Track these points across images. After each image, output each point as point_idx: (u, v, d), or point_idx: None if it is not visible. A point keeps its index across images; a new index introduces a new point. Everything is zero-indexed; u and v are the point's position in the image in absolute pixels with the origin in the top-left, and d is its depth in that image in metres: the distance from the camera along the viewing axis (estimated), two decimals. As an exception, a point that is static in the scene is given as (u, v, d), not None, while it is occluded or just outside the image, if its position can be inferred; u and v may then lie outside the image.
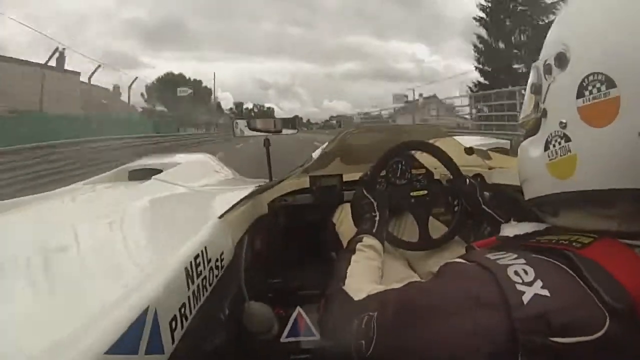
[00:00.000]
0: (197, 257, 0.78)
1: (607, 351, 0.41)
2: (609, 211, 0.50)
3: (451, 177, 1.21)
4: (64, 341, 0.45)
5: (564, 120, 0.51)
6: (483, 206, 1.09)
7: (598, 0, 0.52)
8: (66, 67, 18.04)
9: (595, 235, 0.49)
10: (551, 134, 0.54)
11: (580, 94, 0.50)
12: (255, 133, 1.82)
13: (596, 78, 0.48)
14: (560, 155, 0.52)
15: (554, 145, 0.53)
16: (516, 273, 0.45)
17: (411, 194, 1.16)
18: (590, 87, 0.49)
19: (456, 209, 1.19)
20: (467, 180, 1.16)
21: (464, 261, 0.54)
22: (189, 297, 0.71)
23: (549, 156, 0.54)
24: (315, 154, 1.84)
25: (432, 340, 0.48)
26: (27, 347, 0.44)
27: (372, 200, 1.04)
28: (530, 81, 0.59)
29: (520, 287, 0.44)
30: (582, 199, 0.51)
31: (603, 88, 0.47)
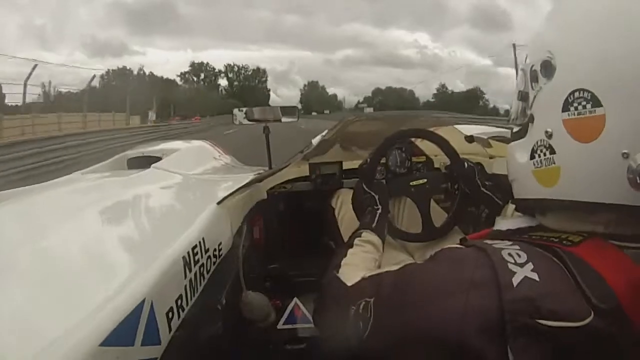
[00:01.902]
0: (195, 246, 0.78)
1: (591, 341, 0.43)
2: (594, 217, 0.51)
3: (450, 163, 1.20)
4: (58, 333, 0.45)
5: (549, 130, 0.52)
6: (482, 189, 1.10)
7: (584, 10, 0.51)
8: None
9: (585, 234, 0.49)
10: (537, 143, 0.54)
11: (565, 108, 0.50)
12: (253, 123, 1.79)
13: (582, 95, 0.48)
14: (545, 165, 0.53)
15: (539, 155, 0.54)
16: (510, 254, 0.47)
17: (411, 183, 1.16)
18: (575, 104, 0.49)
19: (456, 192, 1.19)
20: (466, 163, 1.16)
21: (460, 246, 0.56)
22: (185, 286, 0.72)
23: (534, 164, 0.55)
24: (315, 141, 1.83)
25: (426, 319, 0.49)
26: (22, 340, 0.44)
27: (373, 194, 1.03)
28: (517, 87, 0.59)
29: (511, 267, 0.46)
30: (566, 206, 0.52)
31: (589, 106, 0.47)
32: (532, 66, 0.55)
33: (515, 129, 0.61)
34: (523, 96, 0.58)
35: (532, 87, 0.56)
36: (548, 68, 0.52)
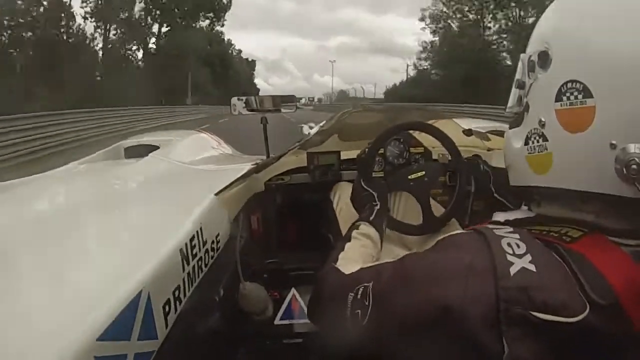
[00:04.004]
0: (192, 238, 0.78)
1: (584, 337, 0.43)
2: (584, 206, 0.52)
3: (450, 158, 1.20)
4: (54, 329, 0.45)
5: (542, 119, 0.54)
6: (495, 195, 1.11)
7: (580, 4, 0.53)
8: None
9: (585, 230, 0.50)
10: (531, 131, 0.56)
11: (558, 98, 0.51)
12: (253, 114, 1.78)
13: (574, 86, 0.50)
14: (538, 152, 0.55)
15: (533, 142, 0.56)
16: (509, 245, 0.48)
17: (409, 177, 1.16)
18: (568, 94, 0.50)
19: (454, 185, 1.19)
20: (482, 166, 1.18)
21: (461, 231, 0.57)
22: (183, 279, 0.72)
23: (528, 150, 0.57)
24: (313, 132, 1.82)
25: (426, 303, 0.49)
26: (18, 334, 0.44)
27: (372, 191, 1.03)
28: (516, 75, 0.61)
29: (510, 258, 0.46)
30: (557, 194, 0.54)
31: (580, 97, 0.49)
32: (530, 56, 0.57)
33: (512, 117, 0.63)
34: (520, 84, 0.60)
35: (529, 76, 0.58)
36: (544, 59, 0.54)
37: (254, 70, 56.69)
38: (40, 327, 0.45)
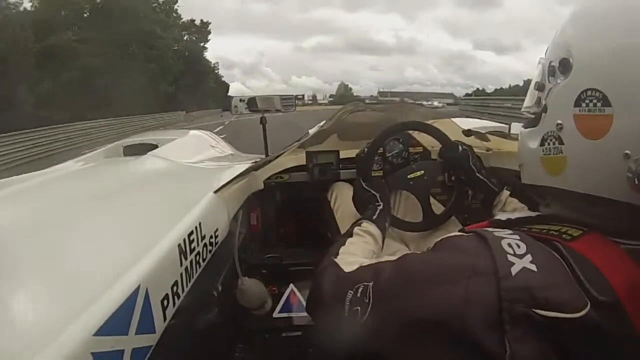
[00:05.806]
0: (191, 233, 0.78)
1: (586, 333, 0.43)
2: (593, 210, 0.53)
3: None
4: (51, 324, 0.45)
5: (560, 122, 0.54)
6: (477, 174, 1.10)
7: (604, 15, 0.53)
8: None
9: (585, 229, 0.51)
10: (547, 133, 0.57)
11: (577, 103, 0.52)
12: (253, 113, 1.81)
13: (594, 94, 0.50)
14: (554, 154, 0.56)
15: (549, 144, 0.56)
16: (509, 245, 0.49)
17: (409, 176, 1.16)
18: (587, 101, 0.51)
19: (452, 178, 1.19)
20: (459, 147, 1.16)
21: (461, 233, 0.57)
22: (181, 274, 0.72)
23: (543, 151, 0.57)
24: (312, 131, 1.83)
25: (426, 305, 0.50)
26: (15, 329, 0.44)
27: (374, 192, 1.04)
28: (535, 78, 0.62)
29: (511, 258, 0.47)
30: (568, 195, 0.54)
31: (599, 105, 0.50)
32: (551, 62, 0.58)
33: (529, 117, 0.64)
34: (539, 87, 0.61)
35: (549, 80, 0.58)
36: (566, 66, 0.55)
37: (206, 41, 37.43)
38: (38, 322, 0.45)
